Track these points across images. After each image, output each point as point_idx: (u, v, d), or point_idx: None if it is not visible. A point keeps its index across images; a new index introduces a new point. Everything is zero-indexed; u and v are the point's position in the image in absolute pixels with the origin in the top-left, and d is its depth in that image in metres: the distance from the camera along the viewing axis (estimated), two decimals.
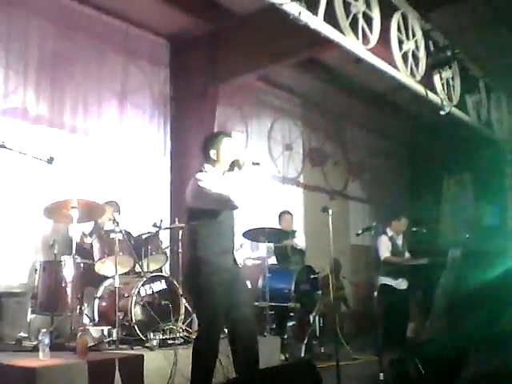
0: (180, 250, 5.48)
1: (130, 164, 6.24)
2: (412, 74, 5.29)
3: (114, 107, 6.22)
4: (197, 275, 3.52)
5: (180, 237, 5.54)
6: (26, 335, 4.58)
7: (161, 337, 4.53)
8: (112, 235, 4.88)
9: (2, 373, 3.62)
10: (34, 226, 5.30)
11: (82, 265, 4.91)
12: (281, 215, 6.99)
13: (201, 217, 3.55)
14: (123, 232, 4.96)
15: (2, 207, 5.10)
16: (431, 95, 5.70)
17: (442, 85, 5.85)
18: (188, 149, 6.66)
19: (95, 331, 4.48)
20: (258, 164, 3.62)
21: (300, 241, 6.84)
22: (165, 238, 6.05)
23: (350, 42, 4.51)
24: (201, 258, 3.52)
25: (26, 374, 3.49)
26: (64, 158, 5.37)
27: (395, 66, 5.11)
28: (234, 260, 3.69)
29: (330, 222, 4.51)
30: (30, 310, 4.75)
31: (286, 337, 5.97)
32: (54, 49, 5.68)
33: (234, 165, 3.60)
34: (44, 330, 3.94)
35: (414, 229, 7.05)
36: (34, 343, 4.13)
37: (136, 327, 4.53)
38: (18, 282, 5.14)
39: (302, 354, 5.94)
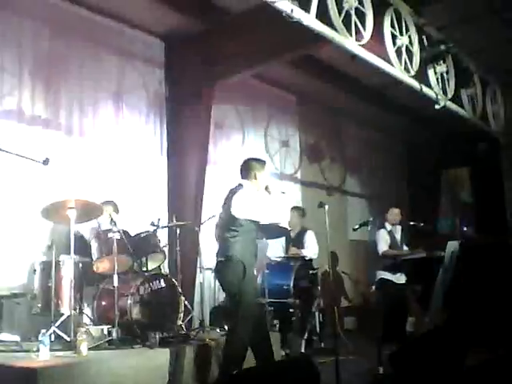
0: (178, 248, 5.50)
1: (126, 164, 6.25)
2: (406, 68, 5.30)
3: (109, 108, 6.24)
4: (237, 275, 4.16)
5: (178, 235, 5.56)
6: (27, 336, 4.60)
7: (160, 335, 4.54)
8: (110, 235, 4.90)
9: (2, 374, 3.64)
10: (32, 227, 5.31)
11: (80, 265, 4.92)
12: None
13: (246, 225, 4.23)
14: (121, 231, 4.98)
15: (0, 209, 5.12)
16: (426, 90, 5.71)
17: (437, 79, 5.86)
18: (184, 147, 6.68)
19: (95, 331, 4.51)
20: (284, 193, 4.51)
21: (310, 251, 6.62)
22: (163, 236, 6.07)
23: (343, 38, 4.52)
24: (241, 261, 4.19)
25: (26, 375, 3.51)
26: (61, 158, 5.39)
27: (389, 62, 5.12)
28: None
29: (327, 217, 4.53)
30: (29, 310, 4.77)
31: (285, 333, 5.99)
32: (49, 50, 5.69)
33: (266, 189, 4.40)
34: (44, 331, 3.96)
35: (412, 222, 7.05)
36: (35, 344, 4.14)
37: (136, 326, 4.56)
38: (17, 283, 5.15)
39: (303, 350, 5.96)
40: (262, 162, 4.51)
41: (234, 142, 7.70)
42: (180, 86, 6.74)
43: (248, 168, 4.41)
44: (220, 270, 4.38)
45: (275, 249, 6.71)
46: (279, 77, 7.96)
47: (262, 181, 4.40)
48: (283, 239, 6.63)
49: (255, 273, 4.47)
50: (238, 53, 6.25)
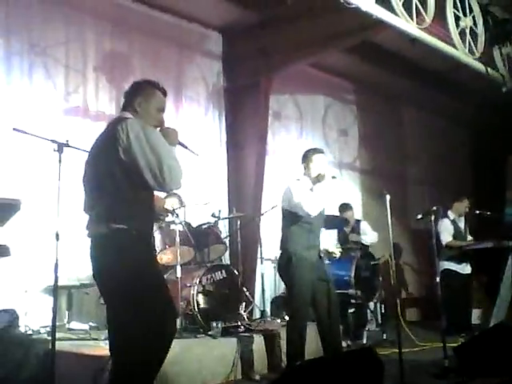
0: (239, 240, 5.55)
1: (187, 156, 6.32)
2: (470, 51, 5.12)
3: (169, 101, 6.25)
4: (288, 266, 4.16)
5: (239, 226, 5.61)
6: (95, 325, 4.76)
7: (223, 325, 4.60)
8: (172, 226, 4.99)
9: (72, 361, 3.77)
10: None
11: None
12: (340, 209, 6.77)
13: (292, 216, 4.23)
14: (183, 223, 5.06)
15: (69, 203, 5.29)
16: (492, 72, 5.50)
17: (503, 61, 5.64)
18: (243, 139, 6.72)
19: None
20: (334, 177, 4.34)
21: (370, 237, 6.68)
22: (224, 227, 6.13)
23: (403, 22, 4.41)
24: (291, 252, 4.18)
25: (95, 363, 3.61)
26: None
27: (452, 44, 4.96)
28: (319, 255, 4.33)
29: (388, 206, 4.42)
30: (98, 300, 4.93)
31: (347, 324, 5.94)
32: (111, 47, 5.84)
33: (318, 177, 4.24)
34: None
35: (478, 211, 6.81)
36: (103, 332, 4.28)
37: (199, 316, 4.63)
38: (86, 274, 5.33)
39: (364, 341, 5.91)
40: (312, 151, 4.40)
41: (292, 132, 7.67)
42: (238, 78, 6.78)
43: (302, 160, 4.39)
44: (278, 263, 4.59)
45: (326, 241, 6.65)
46: (336, 64, 7.85)
47: (315, 170, 4.28)
48: (335, 233, 6.52)
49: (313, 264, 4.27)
50: (295, 42, 6.22)
